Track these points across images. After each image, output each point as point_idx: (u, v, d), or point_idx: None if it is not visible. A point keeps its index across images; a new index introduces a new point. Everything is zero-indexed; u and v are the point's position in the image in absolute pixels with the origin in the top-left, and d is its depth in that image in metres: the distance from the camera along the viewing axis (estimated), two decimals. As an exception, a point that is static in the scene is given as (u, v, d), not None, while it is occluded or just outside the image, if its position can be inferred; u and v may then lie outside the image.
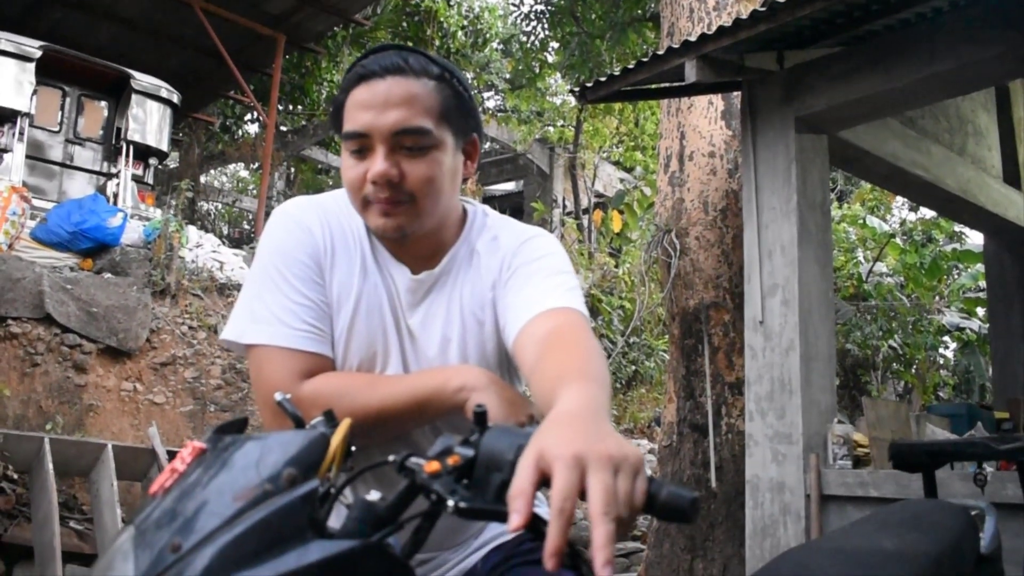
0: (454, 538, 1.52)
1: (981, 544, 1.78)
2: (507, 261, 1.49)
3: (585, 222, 14.32)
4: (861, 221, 10.76)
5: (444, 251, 1.51)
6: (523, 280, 1.45)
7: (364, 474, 0.99)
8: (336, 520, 0.89)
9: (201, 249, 8.56)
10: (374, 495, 0.88)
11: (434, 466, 0.87)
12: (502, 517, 0.84)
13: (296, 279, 1.42)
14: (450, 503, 0.84)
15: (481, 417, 0.94)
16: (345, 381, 1.41)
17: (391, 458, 0.90)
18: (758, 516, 4.28)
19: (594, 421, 0.96)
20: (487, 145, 17.13)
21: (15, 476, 5.59)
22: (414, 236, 1.44)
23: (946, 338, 10.39)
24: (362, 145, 1.38)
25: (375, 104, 1.37)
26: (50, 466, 5.18)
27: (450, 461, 0.88)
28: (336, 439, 0.90)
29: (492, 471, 0.87)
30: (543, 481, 0.83)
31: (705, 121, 5.48)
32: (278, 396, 1.03)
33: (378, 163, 1.36)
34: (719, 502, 4.96)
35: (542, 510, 1.45)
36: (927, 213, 10.66)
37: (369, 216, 1.42)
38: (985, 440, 2.50)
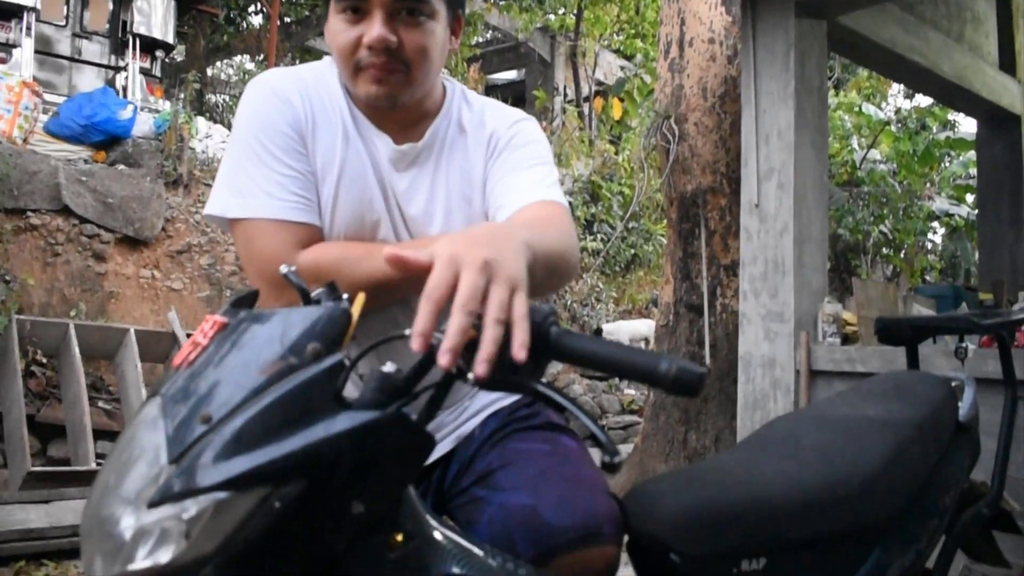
0: (448, 399, 1.57)
1: (960, 412, 1.83)
2: (494, 142, 1.48)
3: (586, 110, 14.18)
4: (857, 109, 10.62)
5: (426, 123, 1.48)
6: (509, 166, 1.45)
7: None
8: (350, 390, 0.90)
9: (211, 140, 8.47)
10: (390, 367, 0.89)
11: None
12: (518, 388, 0.91)
13: (279, 150, 1.37)
14: (470, 375, 0.85)
15: None
16: (343, 251, 1.37)
17: (407, 332, 0.88)
18: (749, 390, 4.37)
19: (504, 238, 0.97)
20: (488, 34, 16.80)
21: (44, 360, 5.74)
22: (402, 105, 1.41)
23: (935, 224, 10.36)
24: (357, 7, 1.33)
25: None
26: (76, 350, 5.36)
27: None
28: (355, 313, 0.91)
29: (504, 344, 0.86)
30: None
31: (705, 7, 5.39)
32: (283, 269, 1.03)
33: (376, 28, 1.32)
34: (712, 378, 5.09)
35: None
36: (922, 101, 10.55)
37: (359, 83, 1.38)
38: (967, 315, 2.50)
